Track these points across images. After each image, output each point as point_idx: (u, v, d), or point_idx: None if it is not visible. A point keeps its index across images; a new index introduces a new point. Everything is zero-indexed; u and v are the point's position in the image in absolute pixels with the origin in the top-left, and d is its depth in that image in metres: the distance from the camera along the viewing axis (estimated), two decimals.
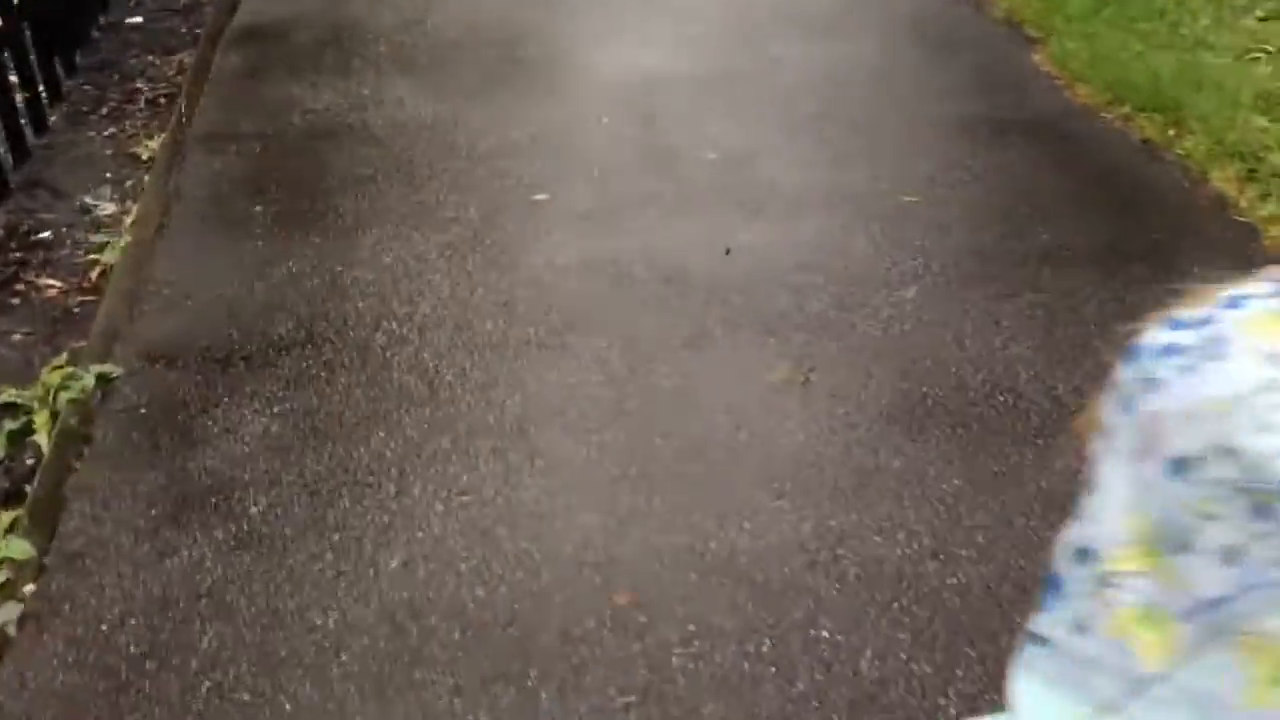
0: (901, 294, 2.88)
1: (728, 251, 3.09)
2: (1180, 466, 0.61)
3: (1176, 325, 0.65)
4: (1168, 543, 0.63)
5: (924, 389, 2.58)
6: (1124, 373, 0.67)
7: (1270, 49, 4.23)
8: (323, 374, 2.65)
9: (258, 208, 3.38)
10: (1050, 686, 0.69)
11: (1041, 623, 0.71)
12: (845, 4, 4.86)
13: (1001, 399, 2.52)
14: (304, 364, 2.69)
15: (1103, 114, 3.83)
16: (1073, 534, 0.70)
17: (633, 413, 2.52)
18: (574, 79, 4.20)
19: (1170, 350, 0.64)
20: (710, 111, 3.88)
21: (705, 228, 3.20)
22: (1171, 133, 3.72)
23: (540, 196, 3.39)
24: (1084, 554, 0.68)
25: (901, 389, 2.58)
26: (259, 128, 3.85)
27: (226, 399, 2.58)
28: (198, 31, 4.54)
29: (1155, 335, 0.66)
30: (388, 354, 2.71)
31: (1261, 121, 3.73)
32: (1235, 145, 3.60)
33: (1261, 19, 4.52)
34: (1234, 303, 0.64)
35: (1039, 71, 4.20)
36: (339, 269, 3.05)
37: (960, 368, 2.64)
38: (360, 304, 2.91)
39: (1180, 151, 3.55)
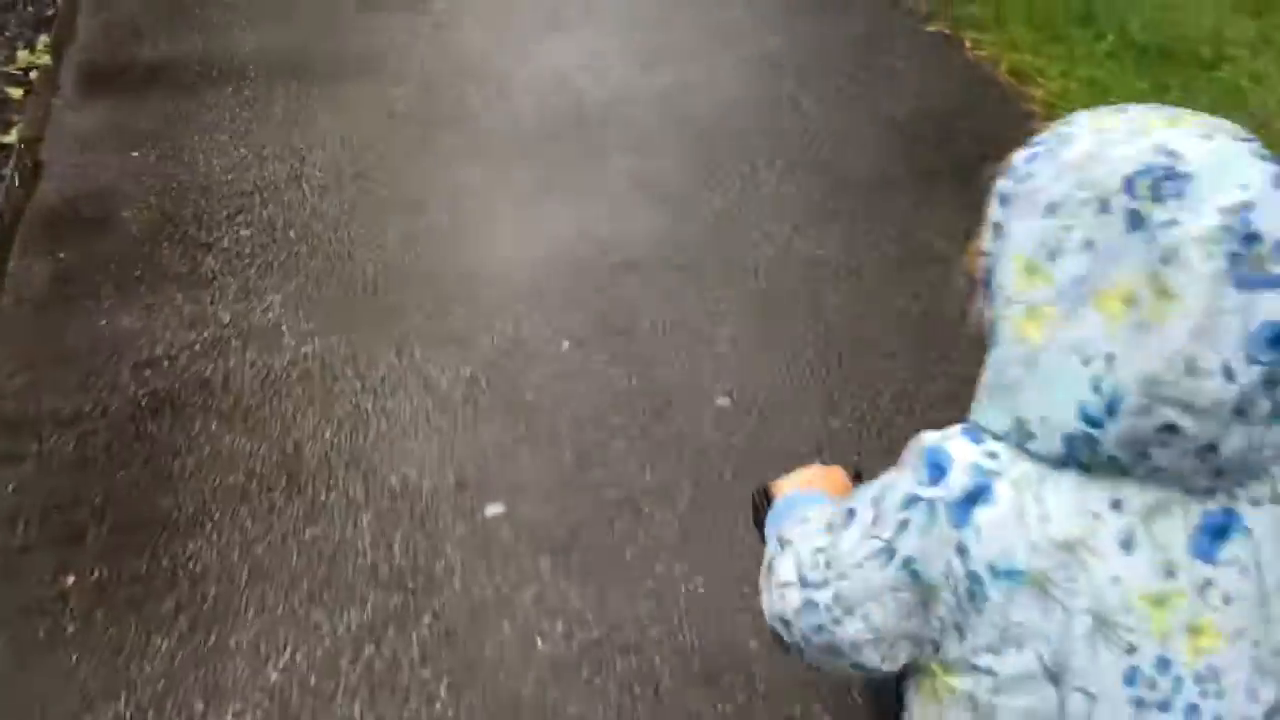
0: None
1: None
2: (1051, 209, 0.89)
3: (1033, 141, 0.94)
4: (1044, 255, 0.89)
5: None
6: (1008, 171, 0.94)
7: None
8: None
9: (69, 581, 2.22)
10: (989, 395, 0.93)
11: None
12: None
13: None
14: None
15: None
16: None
17: None
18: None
19: (1034, 148, 0.93)
20: None
21: None
22: None
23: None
24: (989, 288, 0.95)
25: None
26: (71, 406, 2.66)
27: None
28: None
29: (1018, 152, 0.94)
30: None
31: None
32: None
33: None
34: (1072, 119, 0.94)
35: None
36: None
37: None
38: None
39: None
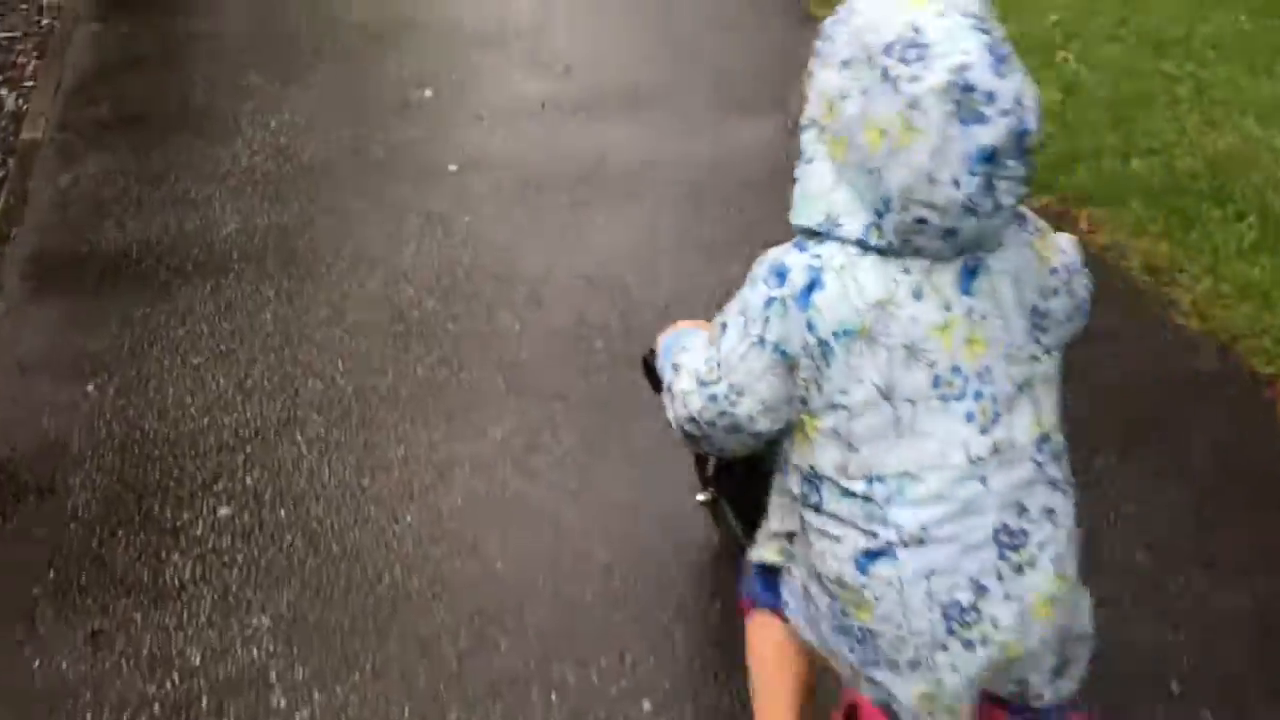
0: None
1: None
2: (844, 65, 1.29)
3: (836, 10, 1.35)
4: (838, 97, 1.29)
5: None
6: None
7: None
8: None
9: None
10: (803, 199, 1.36)
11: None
12: None
13: None
14: None
15: None
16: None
17: None
18: None
19: (836, 17, 1.34)
20: None
21: None
22: None
23: None
24: (805, 118, 1.37)
25: None
26: None
27: None
28: None
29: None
30: None
31: None
32: None
33: None
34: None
35: None
36: None
37: None
38: None
39: None
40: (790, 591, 1.57)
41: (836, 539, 1.40)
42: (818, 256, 1.35)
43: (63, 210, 3.74)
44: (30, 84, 4.68)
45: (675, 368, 1.54)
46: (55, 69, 4.71)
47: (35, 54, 4.95)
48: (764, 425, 1.44)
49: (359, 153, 4.01)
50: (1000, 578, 1.36)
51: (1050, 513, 1.40)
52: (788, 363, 1.37)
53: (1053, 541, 1.39)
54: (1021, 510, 1.38)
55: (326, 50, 4.80)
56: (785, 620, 1.59)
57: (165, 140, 4.12)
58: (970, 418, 1.36)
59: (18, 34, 5.15)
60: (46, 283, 3.40)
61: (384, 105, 4.35)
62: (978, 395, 1.36)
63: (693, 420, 1.49)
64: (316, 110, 4.31)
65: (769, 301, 1.37)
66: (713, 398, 1.45)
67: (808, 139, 1.38)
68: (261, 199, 3.76)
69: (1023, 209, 1.39)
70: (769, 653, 1.69)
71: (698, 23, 4.89)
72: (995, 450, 1.36)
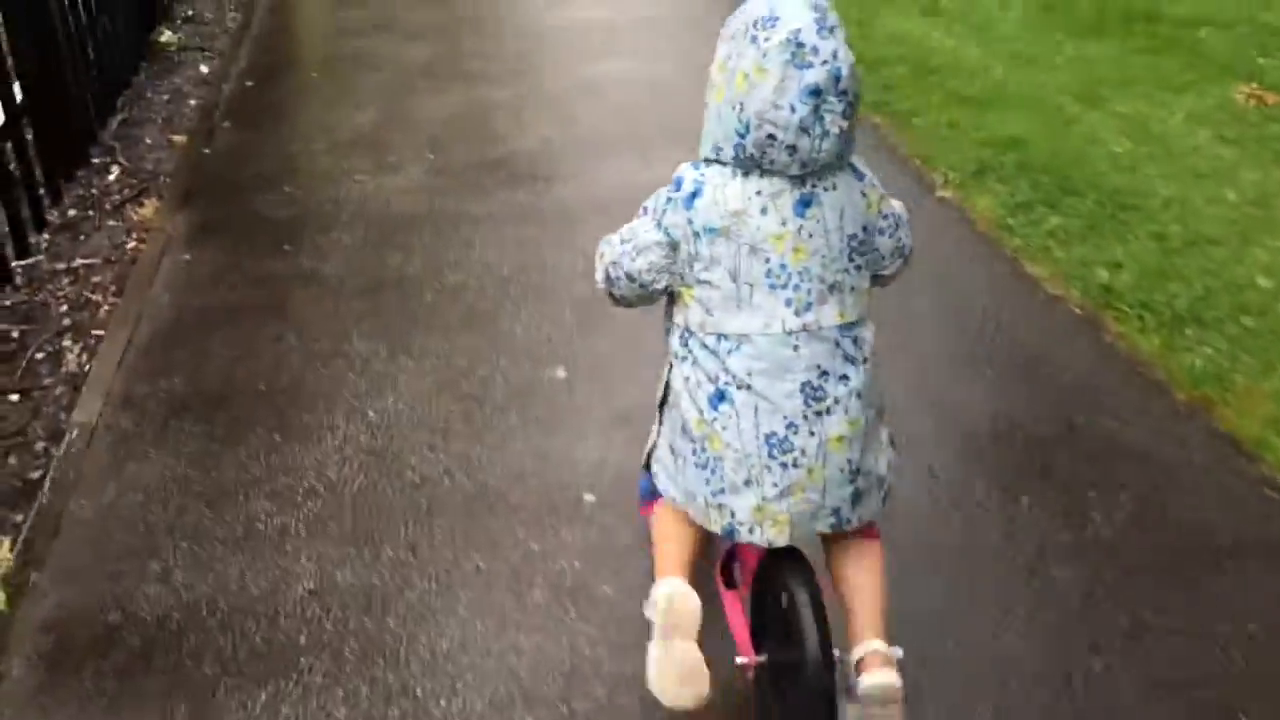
0: None
1: None
2: (730, 37, 1.95)
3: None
4: (725, 59, 1.96)
5: None
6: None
7: None
8: None
9: None
10: (705, 138, 2.02)
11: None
12: None
13: None
14: None
15: None
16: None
17: None
18: None
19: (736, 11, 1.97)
20: None
21: None
22: None
23: None
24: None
25: None
26: None
27: None
28: None
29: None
30: None
31: None
32: None
33: None
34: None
35: None
36: None
37: None
38: None
39: None
40: (661, 465, 2.20)
41: (697, 384, 2.04)
42: (703, 175, 2.02)
43: (98, 546, 2.96)
44: (99, 334, 3.99)
45: (606, 241, 2.20)
46: (130, 316, 4.03)
47: (113, 289, 4.28)
48: (649, 279, 2.08)
49: (470, 473, 3.18)
50: (805, 419, 1.99)
51: (844, 378, 2.02)
52: (671, 242, 2.03)
53: (845, 398, 2.01)
54: (823, 373, 2.00)
55: (445, 306, 4.04)
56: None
57: (242, 437, 3.36)
58: (789, 303, 1.98)
59: (97, 260, 4.51)
60: (62, 670, 2.59)
61: (509, 387, 3.54)
62: (796, 287, 1.98)
63: (609, 279, 2.17)
64: (426, 397, 3.52)
65: (668, 199, 2.04)
66: (622, 251, 2.11)
67: (709, 95, 2.02)
68: (347, 542, 2.94)
69: (865, 170, 2.09)
70: (664, 527, 2.23)
71: None
72: (804, 328, 1.99)
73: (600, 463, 3.20)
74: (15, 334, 4.01)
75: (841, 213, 2.00)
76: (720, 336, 2.01)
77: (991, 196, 4.64)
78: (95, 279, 4.38)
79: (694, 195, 2.00)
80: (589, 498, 3.07)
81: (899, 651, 2.07)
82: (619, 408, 3.40)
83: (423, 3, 7.72)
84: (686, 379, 2.07)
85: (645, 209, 2.09)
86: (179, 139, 5.62)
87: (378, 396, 3.54)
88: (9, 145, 4.56)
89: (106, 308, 4.17)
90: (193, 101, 6.13)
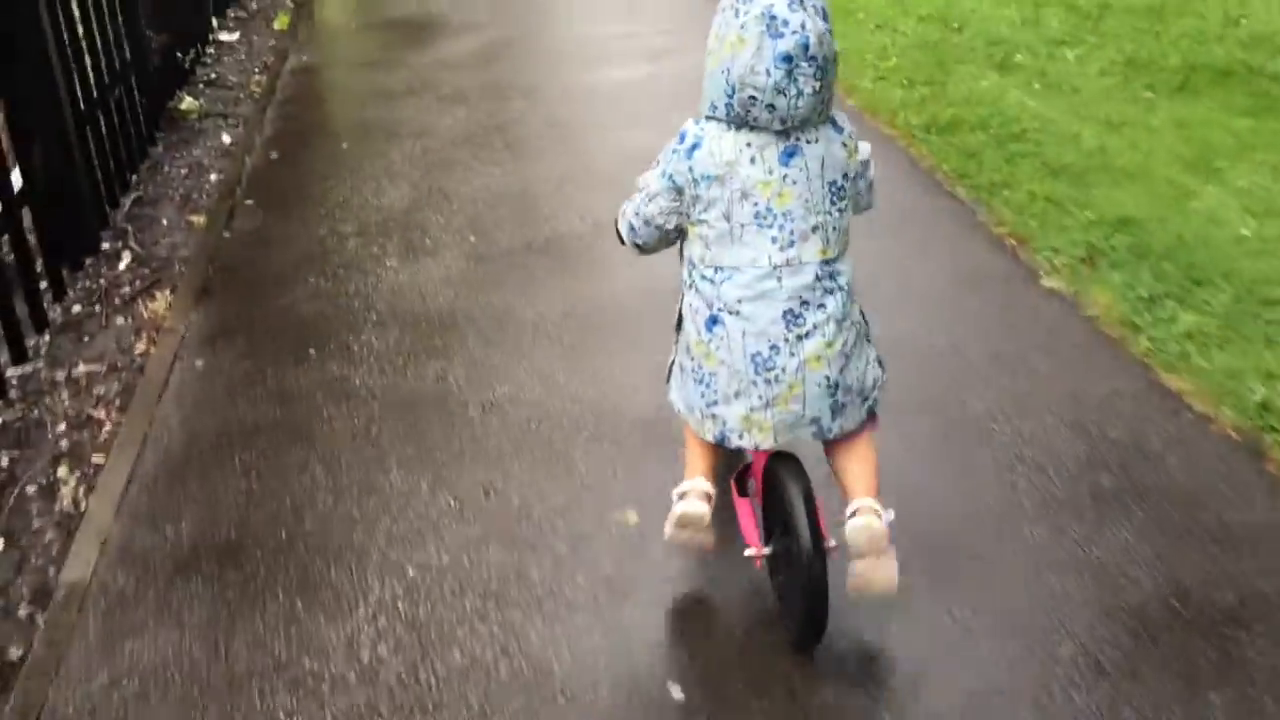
0: None
1: None
2: (722, 10, 2.27)
3: None
4: (717, 29, 2.27)
5: None
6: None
7: None
8: None
9: None
10: (704, 98, 2.32)
11: None
12: None
13: None
14: None
15: None
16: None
17: None
18: None
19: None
20: None
21: None
22: None
23: None
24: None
25: None
26: None
27: None
28: None
29: None
30: None
31: None
32: None
33: None
34: None
35: None
36: None
37: None
38: None
39: None
40: (672, 379, 2.59)
41: (697, 310, 2.39)
42: (702, 129, 2.35)
43: None
44: (99, 461, 3.49)
45: (627, 201, 2.57)
46: (135, 439, 3.53)
47: (118, 403, 3.79)
48: (661, 221, 2.44)
49: (529, 654, 2.64)
50: (787, 341, 2.32)
51: (822, 306, 2.33)
52: (676, 188, 2.37)
53: (823, 323, 2.33)
54: (803, 302, 2.32)
55: (493, 427, 3.51)
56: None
57: (258, 602, 2.83)
58: (775, 240, 2.30)
59: (101, 367, 4.02)
60: None
61: (572, 533, 3.01)
62: (781, 228, 2.30)
63: (630, 228, 2.53)
64: (473, 546, 2.99)
65: (673, 151, 2.38)
66: (640, 200, 2.47)
67: (707, 60, 2.32)
68: None
69: (845, 124, 2.40)
70: (692, 436, 2.57)
71: None
72: (787, 263, 2.30)
73: (684, 641, 2.66)
74: (5, 461, 3.52)
75: (822, 162, 2.34)
76: (716, 269, 2.36)
77: (1109, 288, 4.08)
78: (98, 390, 3.89)
79: (694, 147, 2.35)
80: (677, 694, 2.52)
81: (891, 514, 2.40)
82: (705, 566, 2.85)
83: (460, 65, 7.27)
84: (690, 305, 2.45)
85: (656, 161, 2.45)
86: (197, 220, 5.14)
87: (417, 546, 3.01)
88: (5, 237, 4.09)
89: (109, 427, 3.67)
90: (213, 176, 5.67)
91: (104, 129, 5.10)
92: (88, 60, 4.98)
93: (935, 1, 7.74)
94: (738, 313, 2.34)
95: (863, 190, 2.51)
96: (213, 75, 7.18)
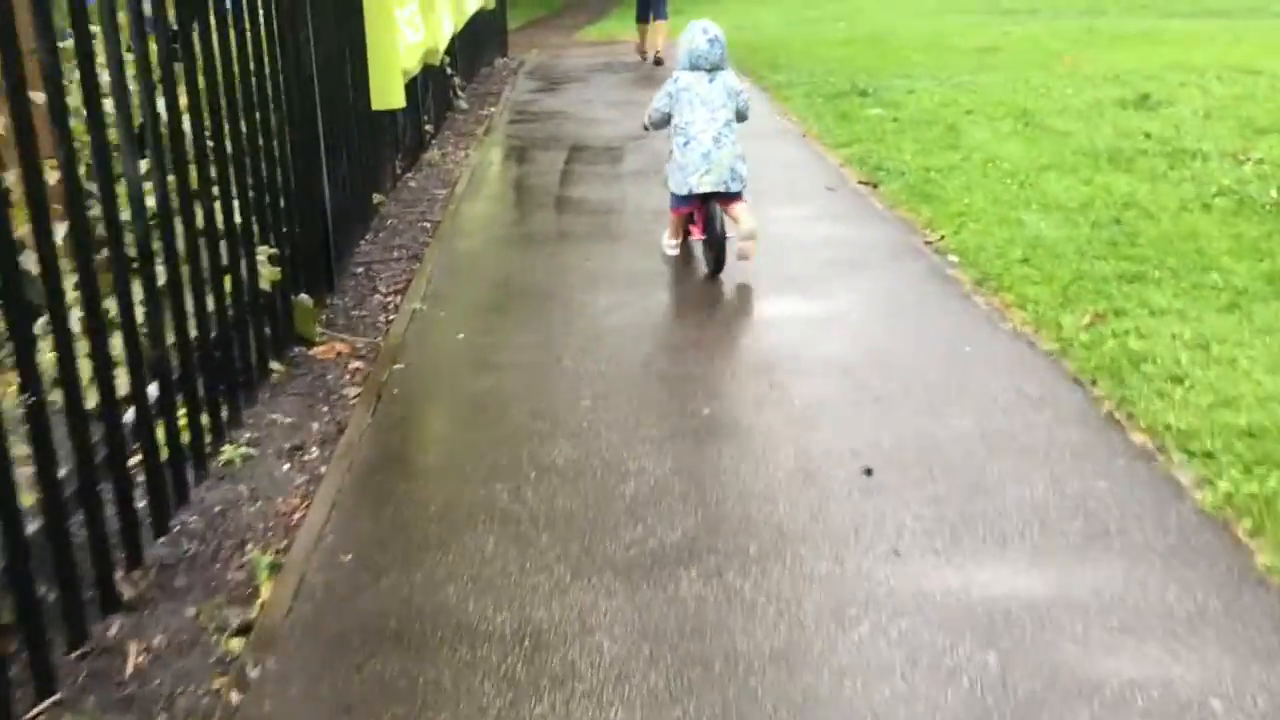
0: None
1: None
2: (688, 30, 5.18)
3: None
4: (686, 38, 5.18)
5: None
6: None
7: None
8: None
9: None
10: (679, 59, 5.16)
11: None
12: None
13: None
14: None
15: None
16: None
17: None
18: None
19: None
20: None
21: None
22: None
23: None
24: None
25: None
26: None
27: None
28: None
29: None
30: None
31: None
32: None
33: None
34: None
35: None
36: None
37: None
38: None
39: None
40: (668, 173, 4.83)
41: (681, 144, 4.72)
42: (679, 74, 4.82)
43: None
44: None
45: (649, 112, 5.05)
46: None
47: None
48: (665, 110, 4.84)
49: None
50: (715, 148, 4.64)
51: (727, 135, 4.69)
52: (669, 94, 4.81)
53: (728, 144, 4.67)
54: (719, 136, 4.66)
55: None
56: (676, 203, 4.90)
57: None
58: (709, 115, 4.70)
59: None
60: None
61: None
62: (711, 110, 4.70)
63: (649, 115, 4.99)
64: None
65: (673, 81, 4.83)
66: (655, 104, 4.93)
67: (679, 49, 5.02)
68: None
69: (731, 71, 4.87)
70: (673, 221, 4.96)
71: None
72: (713, 121, 4.68)
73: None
74: None
75: (724, 85, 4.80)
76: (686, 123, 4.76)
77: None
78: None
79: (675, 80, 4.85)
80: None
81: (756, 223, 4.67)
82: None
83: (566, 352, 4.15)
84: (676, 140, 4.82)
85: (663, 88, 4.90)
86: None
87: None
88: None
89: None
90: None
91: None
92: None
93: None
94: (695, 138, 4.77)
95: (741, 101, 4.95)
96: (274, 416, 3.85)
